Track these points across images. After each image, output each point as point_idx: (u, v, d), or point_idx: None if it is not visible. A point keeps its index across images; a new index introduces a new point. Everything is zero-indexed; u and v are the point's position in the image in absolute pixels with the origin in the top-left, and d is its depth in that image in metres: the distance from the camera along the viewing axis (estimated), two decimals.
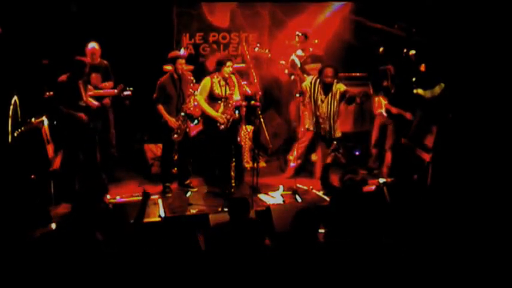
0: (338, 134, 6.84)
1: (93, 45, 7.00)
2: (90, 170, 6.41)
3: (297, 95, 7.13)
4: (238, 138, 6.99)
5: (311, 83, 6.84)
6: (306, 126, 6.99)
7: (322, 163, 6.57)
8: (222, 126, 6.52)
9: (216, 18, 8.31)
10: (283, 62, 7.47)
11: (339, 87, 6.75)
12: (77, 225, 4.26)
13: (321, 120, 6.78)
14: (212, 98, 6.54)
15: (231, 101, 6.54)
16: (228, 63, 6.46)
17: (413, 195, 6.10)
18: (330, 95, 6.74)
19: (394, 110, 7.10)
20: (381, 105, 7.23)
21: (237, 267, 4.26)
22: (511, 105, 7.21)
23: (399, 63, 7.40)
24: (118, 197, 6.43)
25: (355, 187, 5.09)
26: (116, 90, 6.91)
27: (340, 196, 5.23)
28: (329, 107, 6.74)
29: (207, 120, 6.63)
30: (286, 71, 7.49)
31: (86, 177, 5.45)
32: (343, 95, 6.73)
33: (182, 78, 6.55)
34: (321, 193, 6.69)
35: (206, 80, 6.55)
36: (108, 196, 5.78)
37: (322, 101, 6.75)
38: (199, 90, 6.59)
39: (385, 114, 7.18)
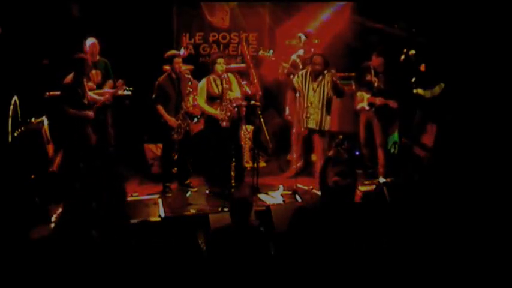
0: (327, 127, 6.82)
1: (92, 40, 6.98)
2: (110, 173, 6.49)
3: (297, 95, 7.11)
4: (239, 138, 6.97)
5: (301, 76, 6.82)
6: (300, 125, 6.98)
7: (320, 161, 6.56)
8: (224, 123, 6.50)
9: (216, 18, 8.31)
10: (286, 65, 7.40)
11: (328, 78, 6.73)
12: (75, 225, 4.26)
13: (311, 111, 6.75)
14: (210, 98, 6.55)
15: (226, 97, 6.52)
16: (219, 61, 6.45)
17: (413, 195, 6.08)
18: (321, 84, 6.71)
19: (378, 101, 7.00)
20: (362, 99, 7.09)
21: (238, 270, 4.25)
22: (511, 105, 7.23)
23: (398, 63, 7.40)
24: None
25: (339, 191, 4.83)
26: (116, 89, 6.85)
27: (328, 197, 5.07)
28: (320, 96, 6.71)
29: (209, 119, 6.64)
30: (286, 71, 7.46)
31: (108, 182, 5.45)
32: (334, 85, 6.69)
33: (180, 77, 6.56)
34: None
35: (202, 82, 6.59)
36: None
37: (314, 90, 6.73)
38: (198, 93, 6.61)
39: (367, 107, 7.08)
